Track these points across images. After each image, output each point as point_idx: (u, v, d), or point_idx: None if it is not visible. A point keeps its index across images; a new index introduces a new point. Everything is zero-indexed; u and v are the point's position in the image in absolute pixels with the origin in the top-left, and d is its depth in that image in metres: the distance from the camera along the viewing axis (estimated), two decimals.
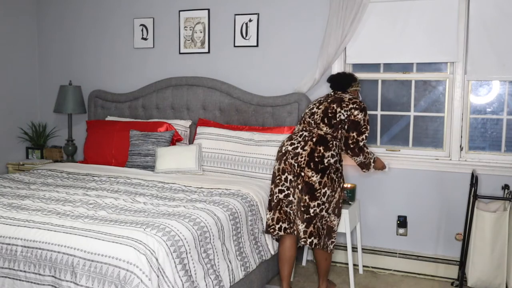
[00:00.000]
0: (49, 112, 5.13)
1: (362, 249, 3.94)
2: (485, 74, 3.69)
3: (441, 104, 3.84)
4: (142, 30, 4.70)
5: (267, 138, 3.88)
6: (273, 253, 3.41)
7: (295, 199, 3.20)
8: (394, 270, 3.90)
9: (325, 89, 4.05)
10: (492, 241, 3.29)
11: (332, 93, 3.44)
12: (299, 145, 3.22)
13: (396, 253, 3.90)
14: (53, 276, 2.41)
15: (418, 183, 3.84)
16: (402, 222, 3.88)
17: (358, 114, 3.26)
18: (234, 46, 4.35)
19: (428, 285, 3.67)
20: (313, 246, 3.18)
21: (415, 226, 3.87)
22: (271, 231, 3.28)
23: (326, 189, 3.16)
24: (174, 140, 4.22)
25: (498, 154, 3.70)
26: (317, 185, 3.13)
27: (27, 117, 5.11)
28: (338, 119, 3.25)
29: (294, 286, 3.62)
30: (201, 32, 4.46)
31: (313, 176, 3.13)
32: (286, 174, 3.22)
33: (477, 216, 3.32)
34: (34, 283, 2.45)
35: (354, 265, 3.72)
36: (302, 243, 3.18)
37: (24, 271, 2.48)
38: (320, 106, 3.34)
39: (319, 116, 3.30)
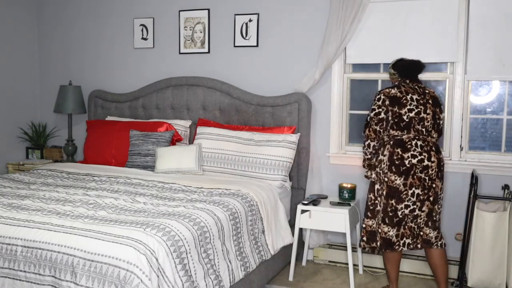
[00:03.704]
0: (49, 112, 5.13)
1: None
2: (485, 74, 3.69)
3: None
4: (142, 30, 4.70)
5: (267, 138, 3.88)
6: (273, 253, 3.41)
7: (423, 211, 3.16)
8: None
9: (325, 89, 4.06)
10: (492, 241, 3.29)
11: (416, 86, 3.26)
12: (422, 157, 3.12)
13: None
14: (53, 276, 2.41)
15: None
16: None
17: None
18: (234, 46, 4.35)
19: (428, 285, 3.67)
20: (443, 246, 3.25)
21: None
22: (396, 248, 3.19)
23: (441, 190, 3.29)
24: (174, 140, 4.22)
25: (498, 154, 3.70)
26: (439, 190, 3.24)
27: (27, 117, 5.11)
28: (442, 125, 3.34)
29: (294, 286, 3.62)
30: (201, 32, 4.46)
31: (439, 184, 3.23)
32: (413, 189, 3.12)
33: (477, 216, 3.31)
34: (34, 283, 2.45)
35: (354, 265, 3.72)
36: (435, 247, 3.23)
37: (24, 271, 2.48)
38: (428, 111, 3.19)
39: (430, 124, 3.21)
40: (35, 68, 5.19)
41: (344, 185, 3.77)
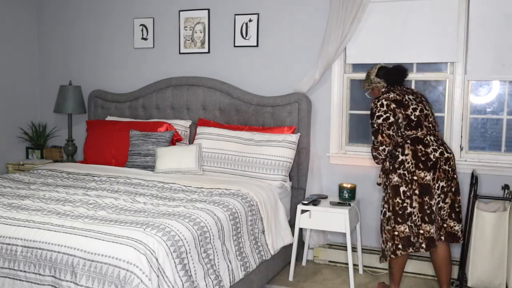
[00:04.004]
0: (49, 112, 5.13)
1: (362, 249, 3.93)
2: (485, 74, 3.69)
3: (441, 104, 3.84)
4: (142, 30, 4.70)
5: (267, 138, 3.88)
6: (273, 253, 3.41)
7: (446, 203, 3.18)
8: None
9: (325, 89, 4.06)
10: (492, 241, 3.29)
11: (405, 88, 3.34)
12: (441, 149, 3.16)
13: None
14: (53, 276, 2.41)
15: None
16: None
17: None
18: (234, 46, 4.35)
19: (428, 285, 3.67)
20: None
21: None
22: (437, 243, 3.19)
23: None
24: (174, 140, 4.22)
25: (498, 154, 3.70)
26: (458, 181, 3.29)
27: (27, 117, 5.11)
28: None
29: (294, 286, 3.62)
30: (201, 32, 4.46)
31: (457, 175, 3.26)
32: (439, 182, 3.14)
33: (477, 216, 3.32)
34: (34, 283, 2.45)
35: (354, 265, 3.72)
36: (461, 242, 3.27)
37: (24, 271, 2.48)
38: (427, 107, 3.28)
39: (433, 119, 3.28)
40: (35, 68, 5.19)
41: (344, 185, 3.77)
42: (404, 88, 3.35)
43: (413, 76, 3.88)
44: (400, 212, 3.16)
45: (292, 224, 3.81)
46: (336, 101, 4.05)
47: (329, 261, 4.07)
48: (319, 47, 3.99)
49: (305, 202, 3.68)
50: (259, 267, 3.28)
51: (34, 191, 3.32)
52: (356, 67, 4.08)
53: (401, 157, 3.17)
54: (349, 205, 3.63)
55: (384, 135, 3.21)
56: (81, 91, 4.84)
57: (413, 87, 3.89)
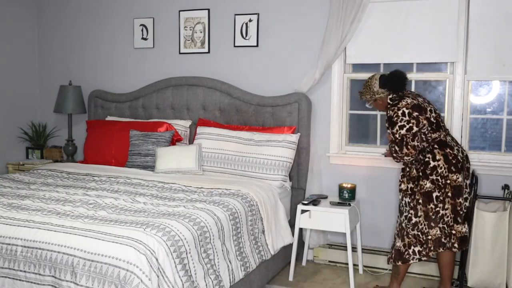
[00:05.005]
0: (49, 112, 5.13)
1: (362, 249, 3.93)
2: (485, 74, 3.69)
3: (441, 104, 3.84)
4: (142, 30, 4.70)
5: (267, 138, 3.88)
6: (273, 253, 3.41)
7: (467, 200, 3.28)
8: None
9: (325, 89, 4.06)
10: (492, 241, 3.29)
11: (410, 92, 3.38)
12: (460, 148, 3.25)
13: None
14: (53, 276, 2.41)
15: None
16: None
17: None
18: (234, 46, 4.35)
19: (428, 285, 3.67)
20: None
21: None
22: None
23: None
24: (174, 140, 4.22)
25: (498, 154, 3.70)
26: None
27: (27, 117, 5.11)
28: None
29: (294, 286, 3.62)
30: (201, 32, 4.46)
31: None
32: (466, 180, 3.22)
33: (477, 216, 3.32)
34: (34, 283, 2.45)
35: (354, 265, 3.72)
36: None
37: (24, 271, 2.48)
38: (436, 111, 3.29)
39: (441, 119, 3.33)
40: (35, 68, 5.19)
41: (344, 185, 3.77)
42: (409, 91, 3.36)
43: (413, 76, 3.87)
44: (433, 217, 3.16)
45: (292, 224, 3.81)
46: (336, 101, 4.05)
47: (329, 261, 4.07)
48: (319, 47, 3.99)
49: (305, 202, 3.68)
50: (259, 267, 3.28)
51: (34, 191, 3.32)
52: (356, 67, 4.08)
53: (432, 163, 3.14)
54: (349, 205, 3.63)
55: (409, 146, 3.13)
56: (81, 91, 4.84)
57: (413, 87, 3.89)
